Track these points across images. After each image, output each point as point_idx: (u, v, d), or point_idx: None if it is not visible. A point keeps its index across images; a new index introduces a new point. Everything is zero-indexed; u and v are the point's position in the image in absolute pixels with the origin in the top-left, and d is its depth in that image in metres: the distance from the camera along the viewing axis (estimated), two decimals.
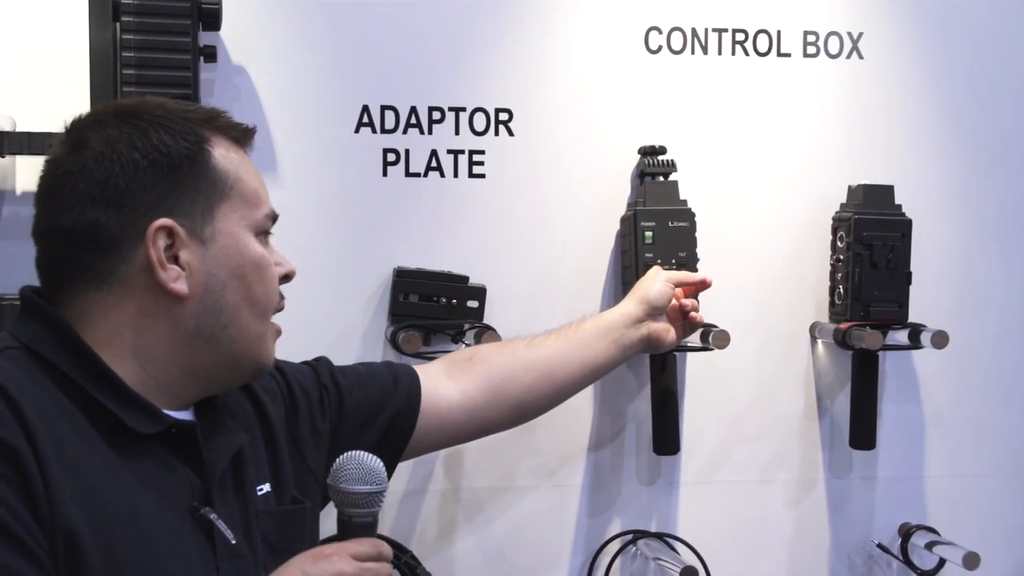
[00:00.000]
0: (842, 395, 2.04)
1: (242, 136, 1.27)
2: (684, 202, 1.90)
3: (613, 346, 1.71)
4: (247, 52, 1.81)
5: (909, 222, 1.94)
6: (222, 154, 1.23)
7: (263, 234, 1.26)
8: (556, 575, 1.97)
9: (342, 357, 1.59)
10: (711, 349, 1.85)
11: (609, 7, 1.94)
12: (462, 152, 1.91)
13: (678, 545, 1.97)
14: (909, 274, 1.94)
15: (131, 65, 1.63)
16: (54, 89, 1.72)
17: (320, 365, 1.51)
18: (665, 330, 1.75)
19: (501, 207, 1.92)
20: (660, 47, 1.97)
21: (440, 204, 1.90)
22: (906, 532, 2.05)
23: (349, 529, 1.20)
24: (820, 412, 2.05)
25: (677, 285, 1.78)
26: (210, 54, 1.71)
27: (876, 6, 2.03)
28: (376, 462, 1.21)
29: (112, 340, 1.18)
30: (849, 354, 1.99)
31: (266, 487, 1.31)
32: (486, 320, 1.86)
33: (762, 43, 2.00)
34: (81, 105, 1.57)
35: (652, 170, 1.91)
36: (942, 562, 2.01)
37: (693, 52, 1.97)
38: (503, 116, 1.92)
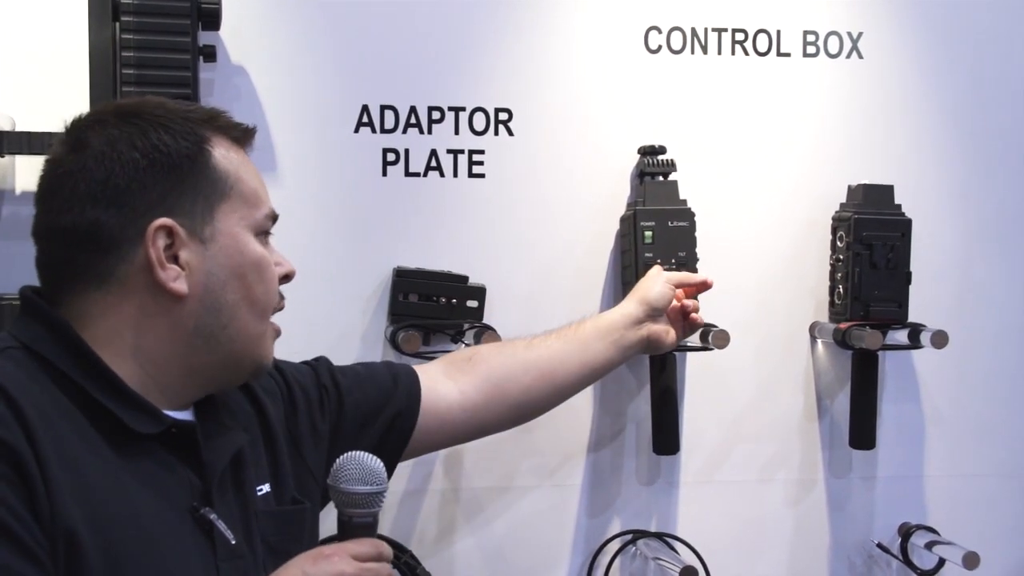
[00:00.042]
0: (842, 395, 2.04)
1: (242, 136, 1.27)
2: (684, 202, 1.90)
3: (613, 347, 1.71)
4: (247, 52, 1.81)
5: (909, 222, 1.94)
6: (222, 154, 1.23)
7: (263, 234, 1.26)
8: (556, 575, 1.97)
9: (342, 357, 1.59)
10: (711, 349, 1.85)
11: (609, 7, 1.94)
12: (462, 152, 1.91)
13: (678, 545, 1.98)
14: (909, 274, 1.94)
15: (131, 65, 1.63)
16: (54, 89, 1.72)
17: (320, 365, 1.51)
18: (665, 331, 1.75)
19: (501, 207, 1.92)
20: (660, 47, 1.97)
21: (440, 204, 1.90)
22: (906, 532, 2.05)
23: (349, 529, 1.20)
24: (820, 412, 2.05)
25: (678, 286, 1.77)
26: (210, 54, 1.71)
27: (876, 6, 2.03)
28: (376, 462, 1.21)
29: (112, 340, 1.18)
30: (849, 354, 1.99)
31: (266, 487, 1.31)
32: (486, 320, 1.86)
33: (762, 43, 2.00)
34: (81, 105, 1.57)
35: (652, 170, 1.91)
36: (942, 562, 2.01)
37: (693, 52, 1.97)
38: (503, 116, 1.92)
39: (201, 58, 1.69)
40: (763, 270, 2.01)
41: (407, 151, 1.89)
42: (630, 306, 1.74)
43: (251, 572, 1.22)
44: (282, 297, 1.29)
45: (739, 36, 1.99)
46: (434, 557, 1.90)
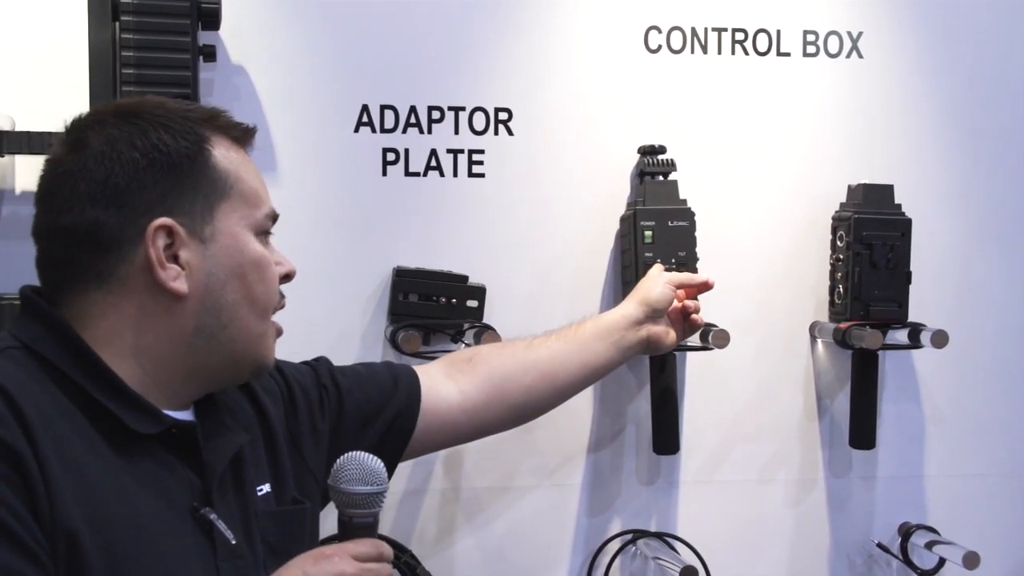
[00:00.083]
0: (842, 394, 2.04)
1: (242, 135, 1.27)
2: (684, 201, 1.90)
3: (613, 348, 1.70)
4: (247, 52, 1.81)
5: (909, 221, 1.94)
6: (222, 153, 1.23)
7: (263, 234, 1.26)
8: (556, 575, 1.97)
9: (342, 357, 1.58)
10: (711, 348, 1.85)
11: (609, 7, 1.94)
12: (462, 152, 1.91)
13: (678, 545, 1.98)
14: (909, 273, 1.94)
15: (130, 64, 1.63)
16: (54, 89, 1.72)
17: (320, 365, 1.51)
18: (665, 332, 1.75)
19: (501, 207, 1.92)
20: (660, 46, 1.97)
21: (440, 204, 1.90)
22: (906, 532, 2.05)
23: (350, 529, 1.20)
24: (820, 411, 2.05)
25: (679, 287, 1.77)
26: (209, 53, 1.71)
27: (876, 6, 2.03)
28: (376, 463, 1.21)
29: (112, 340, 1.18)
30: (849, 353, 1.99)
31: (266, 487, 1.31)
32: (486, 320, 1.86)
33: (762, 42, 2.00)
34: (80, 105, 1.57)
35: (652, 169, 1.91)
36: (942, 562, 2.01)
37: (693, 52, 1.97)
38: (503, 115, 1.92)
39: (201, 58, 1.69)
40: (763, 270, 2.01)
41: (407, 151, 1.89)
42: (630, 307, 1.74)
43: (251, 572, 1.22)
44: (282, 296, 1.29)
45: (739, 36, 1.99)
46: (434, 557, 1.90)
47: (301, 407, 1.42)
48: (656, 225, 1.87)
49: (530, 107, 1.92)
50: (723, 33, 1.98)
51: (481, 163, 1.91)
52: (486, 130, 1.91)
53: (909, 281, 1.94)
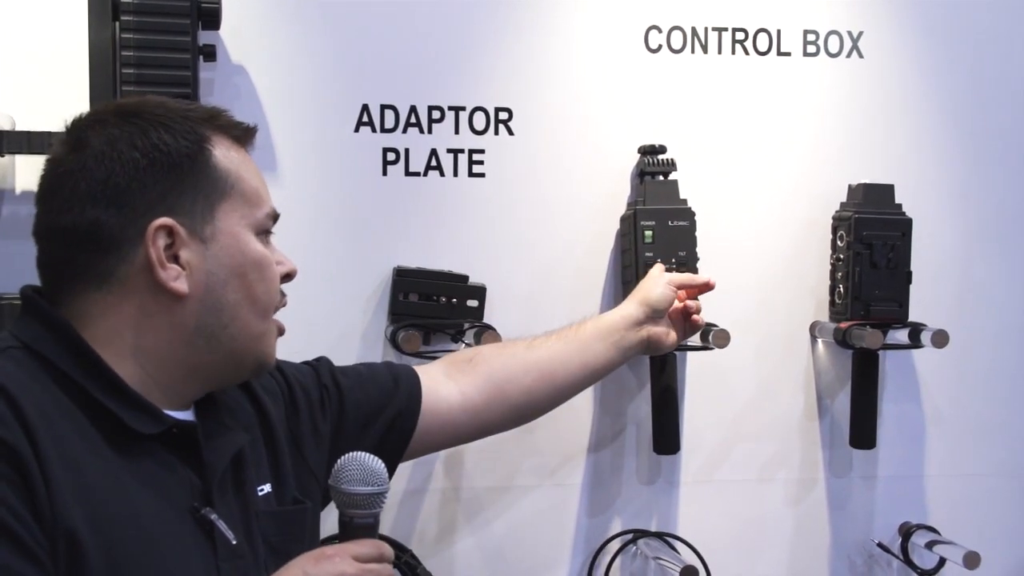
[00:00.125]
0: (842, 394, 2.04)
1: (243, 135, 1.27)
2: (684, 201, 1.90)
3: (613, 348, 1.70)
4: (247, 51, 1.81)
5: (909, 221, 1.94)
6: (223, 153, 1.22)
7: (264, 233, 1.26)
8: (556, 574, 1.97)
9: (342, 357, 1.58)
10: (711, 348, 1.85)
11: (609, 6, 1.94)
12: (462, 151, 1.91)
13: (678, 544, 1.97)
14: (909, 273, 1.94)
15: (131, 64, 1.63)
16: (54, 88, 1.71)
17: (321, 365, 1.51)
18: (665, 333, 1.74)
19: (501, 206, 1.92)
20: (660, 46, 1.96)
21: (440, 203, 1.90)
22: (906, 531, 2.05)
23: (351, 530, 1.20)
24: (820, 411, 2.05)
25: (680, 287, 1.76)
26: (210, 53, 1.71)
27: (876, 5, 2.03)
28: (377, 463, 1.21)
29: (112, 340, 1.17)
30: (849, 353, 1.99)
31: (267, 487, 1.31)
32: (486, 319, 1.86)
33: (762, 42, 2.00)
34: (81, 104, 1.57)
35: (652, 169, 1.91)
36: (942, 561, 2.01)
37: (693, 51, 1.97)
38: (503, 115, 1.92)
39: (201, 57, 1.69)
40: (763, 269, 2.01)
41: (407, 150, 1.89)
42: (631, 307, 1.73)
43: (252, 572, 1.22)
44: (284, 295, 1.29)
45: (739, 35, 1.99)
46: (434, 557, 1.90)
47: (302, 407, 1.42)
48: (656, 225, 1.87)
49: (530, 107, 1.92)
50: (723, 33, 1.98)
51: (481, 163, 1.91)
52: (486, 130, 1.91)
53: (909, 281, 1.94)
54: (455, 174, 1.90)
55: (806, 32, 2.01)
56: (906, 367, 2.07)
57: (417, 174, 1.89)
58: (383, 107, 1.87)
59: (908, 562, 2.03)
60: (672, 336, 1.76)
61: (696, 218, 1.89)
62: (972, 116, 2.07)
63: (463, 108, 1.90)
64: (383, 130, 1.88)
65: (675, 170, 1.92)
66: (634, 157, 1.94)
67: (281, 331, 1.30)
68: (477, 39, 1.90)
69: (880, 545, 2.05)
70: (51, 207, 1.19)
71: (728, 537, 2.01)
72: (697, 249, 1.88)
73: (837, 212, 1.98)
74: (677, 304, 1.76)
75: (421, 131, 1.89)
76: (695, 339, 1.85)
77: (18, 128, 1.68)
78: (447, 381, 1.59)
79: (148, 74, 1.63)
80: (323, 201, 1.85)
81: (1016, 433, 2.12)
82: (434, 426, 1.55)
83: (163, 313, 1.18)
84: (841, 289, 1.95)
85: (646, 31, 1.96)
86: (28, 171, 1.71)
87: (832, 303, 1.99)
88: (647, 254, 1.85)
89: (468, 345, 1.83)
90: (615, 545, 1.97)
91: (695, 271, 1.86)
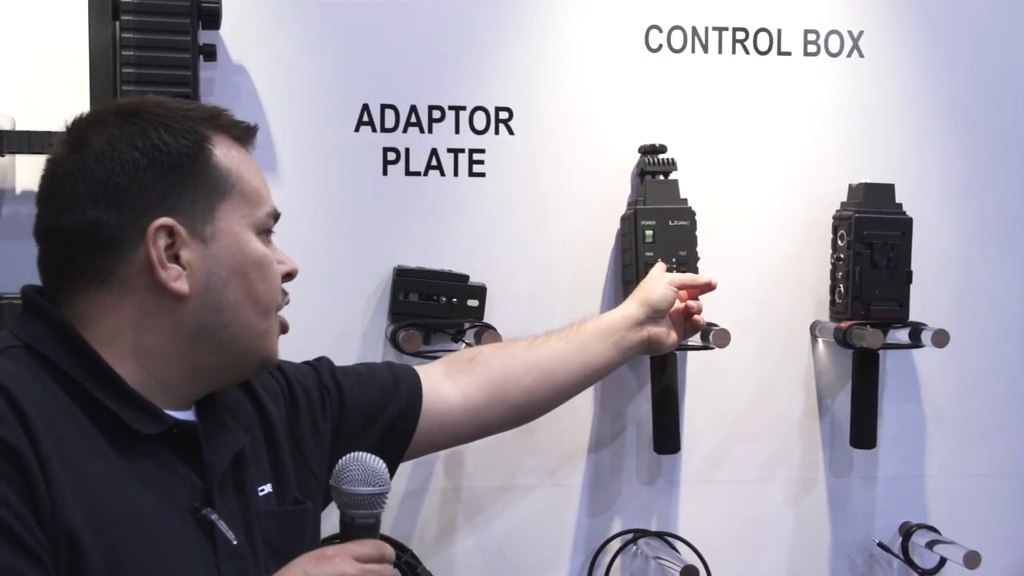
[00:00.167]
0: (842, 394, 2.04)
1: (243, 134, 1.27)
2: (684, 201, 1.90)
3: (614, 348, 1.70)
4: (247, 51, 1.81)
5: (910, 221, 1.94)
6: (223, 152, 1.22)
7: (265, 232, 1.26)
8: (556, 574, 1.97)
9: (342, 357, 1.58)
10: (711, 348, 1.85)
11: (609, 6, 1.94)
12: (462, 151, 1.91)
13: (678, 544, 1.97)
14: (910, 273, 1.94)
15: (131, 64, 1.63)
16: (54, 88, 1.71)
17: (321, 365, 1.51)
18: (666, 333, 1.74)
19: (501, 206, 1.92)
20: (660, 46, 1.96)
21: (440, 203, 1.90)
22: (907, 531, 2.05)
23: (351, 530, 1.19)
24: (820, 411, 2.05)
25: (681, 288, 1.76)
26: (210, 53, 1.71)
27: (876, 5, 2.03)
28: (378, 463, 1.21)
29: (113, 340, 1.17)
30: (850, 353, 1.99)
31: (267, 487, 1.31)
32: (486, 319, 1.86)
33: (762, 42, 2.00)
34: (81, 104, 1.57)
35: (652, 169, 1.91)
36: (943, 561, 2.01)
37: (693, 51, 1.97)
38: (503, 115, 1.92)
39: (201, 57, 1.69)
40: (764, 269, 2.01)
41: (407, 150, 1.89)
42: (631, 307, 1.73)
43: (252, 573, 1.22)
44: (286, 294, 1.29)
45: (740, 35, 1.98)
46: (435, 557, 1.90)
47: (303, 407, 1.42)
48: (657, 224, 1.87)
49: (530, 107, 1.92)
50: (724, 32, 1.98)
51: (482, 162, 1.91)
52: (487, 129, 1.91)
53: (910, 280, 1.94)
54: (455, 174, 1.90)
55: (806, 32, 2.01)
56: (906, 367, 2.07)
57: (417, 174, 1.89)
58: (383, 107, 1.87)
59: (908, 562, 2.03)
60: (673, 336, 1.76)
61: (696, 218, 1.89)
62: (972, 116, 2.07)
63: (463, 108, 1.90)
64: (383, 130, 1.88)
65: (675, 170, 1.91)
66: (634, 157, 1.94)
67: (285, 327, 1.29)
68: (477, 39, 1.90)
69: (880, 545, 2.05)
70: (51, 207, 1.18)
71: (728, 537, 2.01)
72: (697, 249, 1.88)
73: (837, 212, 1.98)
74: (678, 304, 1.76)
75: (421, 131, 1.89)
76: (695, 339, 1.85)
77: (18, 128, 1.68)
78: (447, 381, 1.59)
79: (148, 74, 1.63)
80: (323, 201, 1.85)
81: (1016, 433, 2.12)
82: (435, 426, 1.55)
83: (164, 313, 1.18)
84: (841, 289, 1.95)
85: (646, 31, 1.96)
86: (28, 171, 1.71)
87: (832, 303, 1.99)
88: (647, 254, 1.85)
89: (468, 345, 1.83)
90: (615, 545, 1.97)
91: (695, 271, 1.86)
